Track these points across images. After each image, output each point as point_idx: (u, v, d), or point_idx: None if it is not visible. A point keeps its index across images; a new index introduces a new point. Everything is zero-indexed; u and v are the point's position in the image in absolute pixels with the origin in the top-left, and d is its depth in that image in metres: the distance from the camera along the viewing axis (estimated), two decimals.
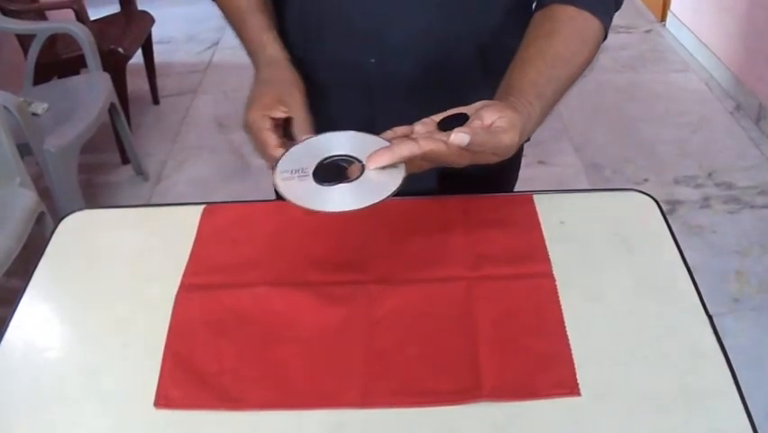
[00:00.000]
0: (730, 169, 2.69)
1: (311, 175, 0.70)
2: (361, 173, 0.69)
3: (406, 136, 0.70)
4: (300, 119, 0.80)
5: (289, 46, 0.90)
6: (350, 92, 0.96)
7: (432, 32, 0.89)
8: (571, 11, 0.82)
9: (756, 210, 2.49)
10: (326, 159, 0.71)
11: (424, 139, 0.67)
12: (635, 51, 3.59)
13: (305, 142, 0.75)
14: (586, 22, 0.82)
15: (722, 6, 3.23)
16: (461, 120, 0.70)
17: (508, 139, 0.69)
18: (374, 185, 0.67)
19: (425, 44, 0.90)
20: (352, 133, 0.73)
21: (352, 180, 0.69)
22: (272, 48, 0.87)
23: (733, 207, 2.50)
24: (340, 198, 0.68)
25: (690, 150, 2.81)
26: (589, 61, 0.83)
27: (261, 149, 0.78)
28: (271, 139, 0.77)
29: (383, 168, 0.67)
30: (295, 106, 0.80)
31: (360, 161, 0.70)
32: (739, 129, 2.93)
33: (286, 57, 0.87)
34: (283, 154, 0.73)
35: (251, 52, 0.90)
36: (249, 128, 0.80)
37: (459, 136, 0.66)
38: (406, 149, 0.67)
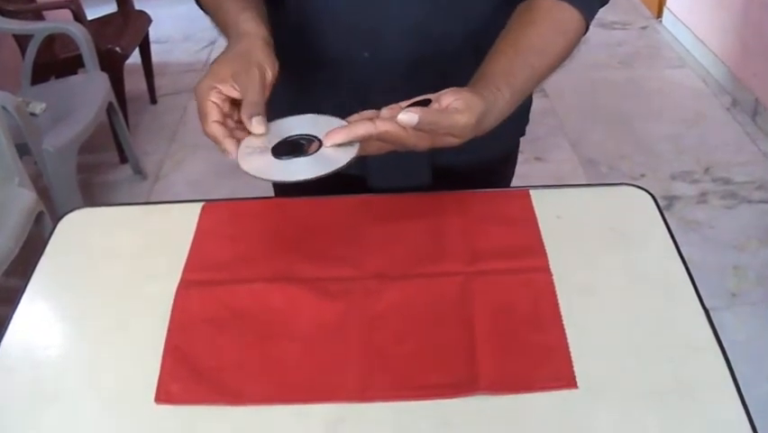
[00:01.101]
0: (727, 164, 2.70)
1: (270, 150, 0.74)
2: (318, 150, 0.73)
3: (371, 120, 0.72)
4: (249, 102, 0.74)
5: (282, 45, 0.89)
6: (342, 89, 0.96)
7: (425, 26, 0.89)
8: (549, 2, 0.83)
9: (753, 205, 2.50)
10: (287, 137, 0.76)
11: (381, 120, 0.70)
12: (632, 48, 3.59)
13: (271, 123, 0.77)
14: (564, 13, 0.83)
15: (718, 2, 3.23)
16: (426, 105, 0.72)
17: (464, 119, 0.71)
18: (327, 159, 0.72)
19: (419, 38, 0.90)
20: (314, 115, 0.78)
21: (307, 155, 0.73)
22: (247, 24, 0.81)
23: (730, 203, 2.51)
24: (292, 170, 0.72)
25: (687, 145, 2.82)
26: (566, 51, 0.84)
27: (201, 119, 0.75)
28: (212, 113, 0.74)
29: (339, 145, 0.71)
30: (249, 87, 0.75)
31: (318, 140, 0.74)
32: (735, 124, 2.94)
33: (261, 34, 0.80)
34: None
35: (226, 34, 0.84)
36: (195, 96, 0.76)
37: (408, 115, 0.68)
38: (361, 128, 0.70)
